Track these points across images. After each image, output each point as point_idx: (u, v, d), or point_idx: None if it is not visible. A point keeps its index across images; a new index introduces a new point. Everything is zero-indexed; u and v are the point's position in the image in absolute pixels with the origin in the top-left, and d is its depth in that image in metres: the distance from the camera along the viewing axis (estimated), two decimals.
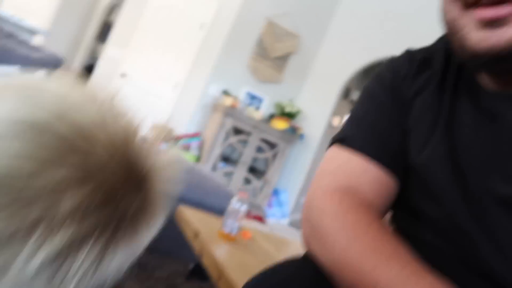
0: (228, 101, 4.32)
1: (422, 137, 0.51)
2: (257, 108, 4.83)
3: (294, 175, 5.08)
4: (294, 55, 4.92)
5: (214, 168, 4.37)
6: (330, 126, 5.10)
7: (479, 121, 0.47)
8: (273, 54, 4.79)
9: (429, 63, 0.55)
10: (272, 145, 4.65)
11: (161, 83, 4.69)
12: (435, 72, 0.54)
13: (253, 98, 4.81)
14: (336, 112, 5.23)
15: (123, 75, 4.74)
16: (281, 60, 4.86)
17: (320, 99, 5.05)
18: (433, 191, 0.49)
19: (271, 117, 4.80)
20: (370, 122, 0.54)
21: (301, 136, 4.80)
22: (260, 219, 4.29)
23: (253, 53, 4.70)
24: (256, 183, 4.63)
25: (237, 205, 1.24)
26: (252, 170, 4.67)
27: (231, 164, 4.54)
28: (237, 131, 4.46)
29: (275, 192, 4.96)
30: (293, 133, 4.68)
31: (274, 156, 4.66)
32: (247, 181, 4.61)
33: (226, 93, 4.55)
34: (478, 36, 0.40)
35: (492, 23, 0.39)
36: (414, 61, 0.56)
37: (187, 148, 4.31)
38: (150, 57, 4.72)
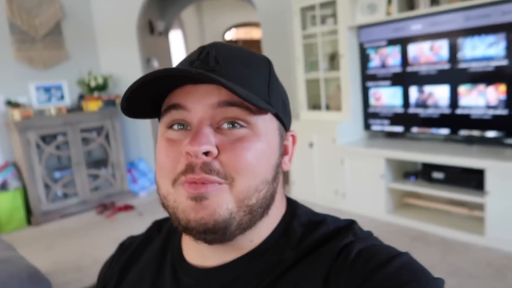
0: (16, 115, 3.61)
1: None
2: (61, 97, 4.17)
3: (141, 140, 4.75)
4: (64, 21, 4.15)
5: (47, 188, 3.83)
6: (146, 65, 4.67)
7: None
8: (40, 32, 3.97)
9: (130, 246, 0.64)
10: (97, 129, 4.16)
11: None
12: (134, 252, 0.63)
13: (49, 90, 4.10)
14: (148, 52, 4.75)
15: None
16: (54, 34, 4.08)
17: (121, 52, 4.50)
18: None
19: (81, 97, 4.21)
20: None
21: None
22: (127, 208, 4.04)
23: (15, 42, 3.84)
24: (104, 173, 4.23)
25: None
26: (93, 163, 4.21)
27: (66, 169, 4.01)
28: (49, 137, 3.85)
29: (132, 166, 4.65)
30: (113, 106, 4.20)
31: (106, 138, 4.21)
32: (95, 177, 4.19)
33: (11, 103, 3.77)
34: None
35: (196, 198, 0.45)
36: (121, 247, 0.66)
37: (4, 186, 3.65)
38: None
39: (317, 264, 0.48)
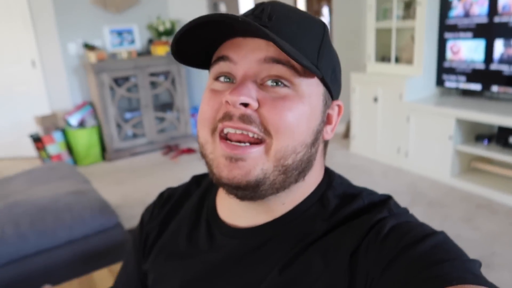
0: (92, 57, 3.84)
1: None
2: (132, 41, 4.33)
3: (204, 86, 4.85)
4: None
5: (119, 127, 4.13)
6: (213, 10, 4.66)
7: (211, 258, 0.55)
8: None
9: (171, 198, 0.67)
10: (165, 73, 4.31)
11: (17, 69, 4.09)
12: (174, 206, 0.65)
13: (121, 34, 4.27)
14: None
15: None
16: None
17: None
18: None
19: (151, 42, 4.35)
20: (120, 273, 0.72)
21: None
22: (190, 151, 4.25)
23: None
24: (170, 116, 4.43)
25: None
26: (160, 106, 4.42)
27: (135, 111, 4.27)
28: (121, 79, 4.07)
29: (196, 110, 4.81)
30: None
31: (173, 82, 4.36)
32: (161, 120, 4.41)
33: (87, 46, 4.01)
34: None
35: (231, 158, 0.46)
36: (161, 199, 0.68)
37: (82, 123, 4.00)
38: None
39: (347, 237, 0.47)
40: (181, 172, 3.54)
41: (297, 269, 0.48)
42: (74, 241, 1.85)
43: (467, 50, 3.00)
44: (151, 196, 3.66)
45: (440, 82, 3.26)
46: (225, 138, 0.47)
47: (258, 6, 0.48)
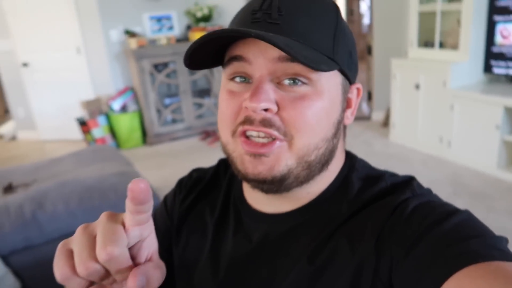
0: (133, 43, 3.94)
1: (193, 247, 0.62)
2: (170, 28, 4.41)
3: None
4: None
5: (159, 112, 4.24)
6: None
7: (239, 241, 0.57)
8: None
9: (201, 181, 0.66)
10: None
11: (64, 56, 4.28)
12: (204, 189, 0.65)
13: (160, 21, 4.35)
14: None
15: (24, 65, 4.34)
16: None
17: None
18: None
19: (189, 28, 4.40)
20: None
21: None
22: None
23: None
24: (207, 102, 4.50)
25: None
26: (198, 92, 4.49)
27: (174, 97, 4.36)
28: (161, 65, 4.16)
29: None
30: None
31: (210, 69, 4.40)
32: (199, 106, 4.49)
33: (128, 32, 4.12)
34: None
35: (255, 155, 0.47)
36: (190, 179, 0.68)
37: (124, 108, 4.14)
38: (38, 36, 4.23)
39: (372, 219, 0.48)
40: (218, 156, 3.58)
41: (325, 256, 0.48)
42: None
43: None
44: None
45: (488, 68, 3.10)
46: (246, 136, 0.47)
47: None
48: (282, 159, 0.47)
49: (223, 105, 0.49)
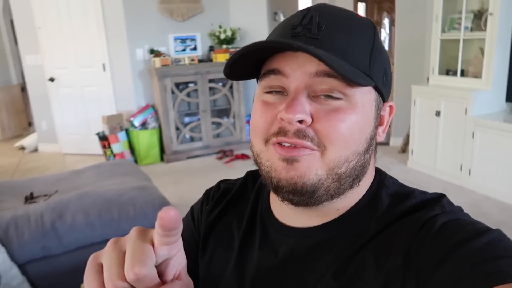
0: (157, 62, 4.05)
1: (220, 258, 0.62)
2: (194, 48, 4.52)
3: None
4: None
5: (178, 130, 4.30)
6: (273, 20, 4.73)
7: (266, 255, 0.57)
8: None
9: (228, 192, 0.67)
10: (223, 80, 4.44)
11: (90, 72, 4.42)
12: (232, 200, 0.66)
13: (184, 41, 4.47)
14: (275, 5, 4.79)
15: (51, 79, 4.49)
16: None
17: (250, 5, 4.61)
18: None
19: (211, 49, 4.50)
20: None
21: None
22: (244, 157, 4.32)
23: None
24: (226, 122, 4.55)
25: None
26: (217, 112, 4.55)
27: (193, 116, 4.43)
28: (182, 84, 4.25)
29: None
30: None
31: (230, 89, 4.47)
32: (217, 125, 4.54)
33: (153, 51, 4.24)
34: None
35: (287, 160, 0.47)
36: (217, 190, 0.68)
37: (144, 125, 4.21)
38: (66, 52, 4.38)
39: (399, 235, 0.47)
40: (235, 175, 3.59)
41: (351, 273, 0.48)
42: None
43: None
44: None
45: (510, 98, 3.06)
46: (279, 144, 0.48)
47: (305, 14, 0.48)
48: (313, 168, 0.47)
49: (257, 114, 0.50)
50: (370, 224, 0.50)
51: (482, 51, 3.09)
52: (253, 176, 0.68)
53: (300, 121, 0.45)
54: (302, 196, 0.48)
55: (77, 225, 1.87)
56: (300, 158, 0.46)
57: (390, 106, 0.55)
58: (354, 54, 0.46)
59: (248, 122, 4.75)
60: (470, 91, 3.04)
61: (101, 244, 1.90)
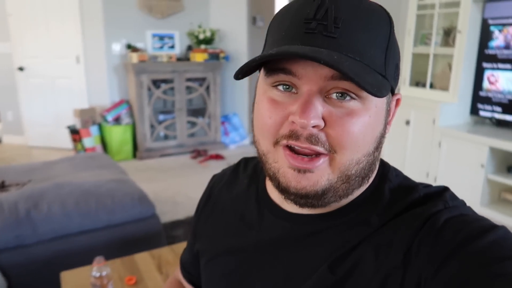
0: (134, 58, 4.00)
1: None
2: (172, 46, 4.50)
3: (237, 96, 4.96)
4: None
5: (152, 127, 4.26)
6: (252, 24, 4.79)
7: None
8: None
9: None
10: (200, 80, 4.44)
11: (62, 63, 4.30)
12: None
13: (163, 38, 4.44)
14: (254, 10, 4.86)
15: (20, 69, 4.33)
16: None
17: (230, 8, 4.65)
18: None
19: (189, 48, 4.50)
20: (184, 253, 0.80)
21: (226, 58, 4.55)
22: (218, 157, 4.33)
23: None
24: (201, 122, 4.55)
25: (97, 274, 1.22)
26: (192, 111, 4.54)
27: (168, 114, 4.40)
28: (159, 81, 4.22)
29: (226, 119, 4.91)
30: (217, 59, 4.42)
31: (207, 89, 4.48)
32: (192, 125, 4.53)
33: (130, 47, 4.18)
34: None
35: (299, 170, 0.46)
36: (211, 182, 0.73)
37: (118, 120, 4.14)
38: (38, 42, 4.24)
39: (400, 232, 0.46)
40: (209, 176, 3.59)
41: (348, 267, 0.47)
42: (114, 226, 1.93)
43: (506, 81, 3.02)
44: (180, 195, 3.75)
45: (474, 111, 3.27)
46: (289, 148, 0.46)
47: (319, 5, 0.43)
48: (324, 174, 0.46)
49: (265, 114, 0.47)
50: (371, 218, 0.49)
51: (450, 66, 3.28)
52: (247, 161, 0.70)
53: (313, 126, 0.44)
54: (311, 199, 0.47)
55: (53, 215, 1.82)
56: (313, 169, 0.45)
57: (398, 99, 0.53)
58: (372, 54, 0.44)
59: (222, 123, 4.76)
60: (438, 102, 3.21)
61: (78, 235, 1.87)
